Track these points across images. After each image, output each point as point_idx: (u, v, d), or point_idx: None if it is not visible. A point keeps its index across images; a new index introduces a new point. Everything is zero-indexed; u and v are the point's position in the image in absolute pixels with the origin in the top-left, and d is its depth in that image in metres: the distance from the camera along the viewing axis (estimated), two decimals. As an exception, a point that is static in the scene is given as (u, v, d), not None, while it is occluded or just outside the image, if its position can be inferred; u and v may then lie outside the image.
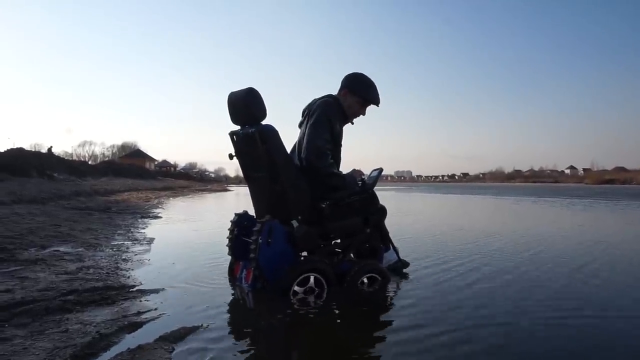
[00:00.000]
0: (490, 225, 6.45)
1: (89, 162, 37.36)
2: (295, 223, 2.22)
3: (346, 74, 2.56)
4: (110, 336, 1.61)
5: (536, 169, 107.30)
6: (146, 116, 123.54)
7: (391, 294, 2.36)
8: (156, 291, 2.28)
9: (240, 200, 14.10)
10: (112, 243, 3.83)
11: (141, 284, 2.42)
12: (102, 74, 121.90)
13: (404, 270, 2.77)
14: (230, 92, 2.31)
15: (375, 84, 2.54)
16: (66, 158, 27.49)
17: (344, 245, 2.46)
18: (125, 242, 3.92)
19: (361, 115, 2.56)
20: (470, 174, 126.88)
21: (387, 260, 2.68)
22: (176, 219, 6.77)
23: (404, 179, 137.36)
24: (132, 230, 4.89)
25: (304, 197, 2.27)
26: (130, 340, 1.60)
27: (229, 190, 26.00)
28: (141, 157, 55.64)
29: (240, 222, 2.46)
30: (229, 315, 1.99)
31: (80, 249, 3.38)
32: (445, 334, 1.74)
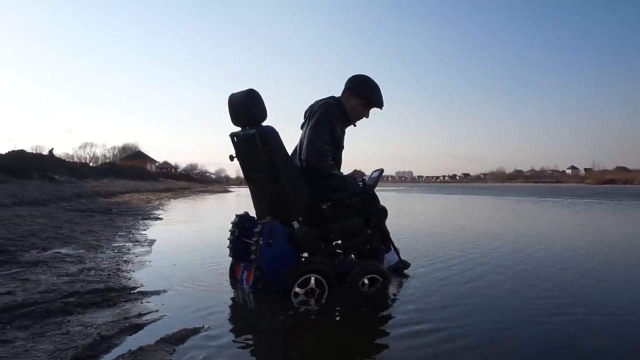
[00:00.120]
0: (491, 225, 6.44)
1: (90, 164, 37.38)
2: (296, 224, 2.22)
3: (350, 75, 2.56)
4: (111, 338, 1.61)
5: (537, 169, 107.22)
6: (146, 116, 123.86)
7: (392, 294, 2.36)
8: (157, 293, 2.28)
9: (241, 201, 14.11)
10: (113, 245, 3.83)
11: (142, 285, 2.42)
12: (102, 74, 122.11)
13: (405, 271, 2.76)
14: (230, 93, 2.31)
15: (379, 87, 2.54)
16: (67, 160, 27.53)
17: (344, 246, 2.45)
18: (126, 244, 3.92)
19: (364, 118, 2.56)
20: (471, 174, 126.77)
21: (388, 261, 2.68)
22: (177, 221, 6.77)
23: (405, 180, 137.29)
24: (133, 231, 4.89)
25: (304, 198, 2.27)
26: (132, 342, 1.60)
27: (230, 192, 26.02)
28: (142, 158, 55.76)
29: (241, 223, 2.46)
30: (230, 316, 1.99)
31: (81, 251, 3.38)
32: (446, 335, 1.73)
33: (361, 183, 2.51)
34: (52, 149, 21.89)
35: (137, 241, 4.14)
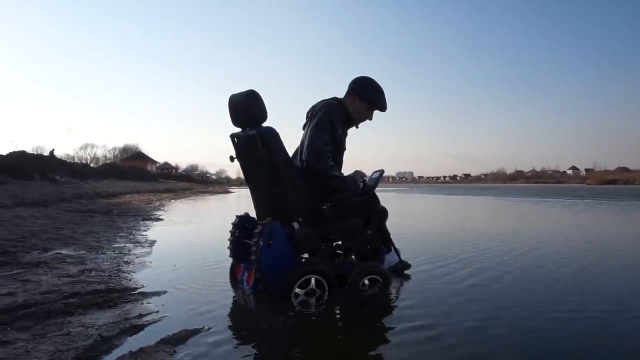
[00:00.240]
0: (491, 226, 6.44)
1: (91, 165, 37.43)
2: (296, 225, 2.22)
3: (350, 75, 2.57)
4: (112, 339, 1.62)
5: (538, 169, 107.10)
6: (146, 116, 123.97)
7: (393, 295, 2.36)
8: (158, 293, 2.28)
9: (241, 202, 14.11)
10: (114, 245, 3.83)
11: (143, 286, 2.43)
12: (102, 74, 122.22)
13: (406, 272, 2.77)
14: (231, 94, 2.32)
15: (383, 89, 2.54)
16: (68, 161, 27.55)
17: (345, 247, 2.45)
18: (127, 245, 3.93)
19: (367, 120, 2.57)
20: (471, 174, 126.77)
21: (388, 262, 2.68)
22: (178, 221, 6.78)
23: (406, 180, 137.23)
24: (133, 232, 4.90)
25: (304, 199, 2.27)
26: (132, 343, 1.60)
27: (231, 192, 26.03)
28: (143, 159, 55.82)
29: (242, 224, 2.46)
30: (230, 317, 1.99)
31: (82, 252, 3.38)
32: (447, 335, 1.73)
33: (361, 184, 2.51)
34: (53, 149, 21.98)
35: (138, 242, 4.14)
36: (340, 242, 2.46)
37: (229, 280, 2.52)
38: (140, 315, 1.91)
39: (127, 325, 1.76)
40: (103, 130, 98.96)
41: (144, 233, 4.92)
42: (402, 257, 2.77)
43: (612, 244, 4.35)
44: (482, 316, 1.98)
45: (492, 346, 1.64)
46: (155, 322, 1.85)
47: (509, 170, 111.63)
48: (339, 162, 2.48)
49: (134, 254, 3.45)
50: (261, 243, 2.12)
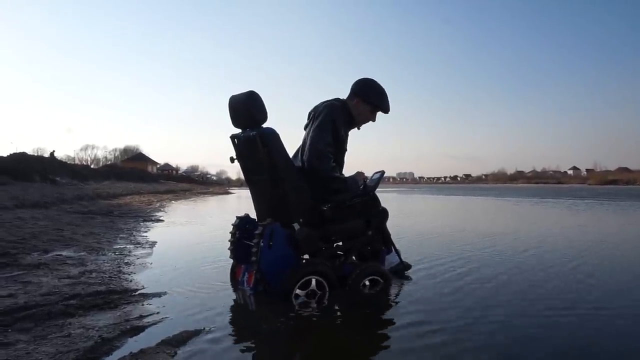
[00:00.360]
0: (492, 226, 6.43)
1: (91, 166, 37.50)
2: (296, 226, 2.22)
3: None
4: (112, 340, 1.62)
5: (539, 169, 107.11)
6: (146, 116, 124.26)
7: (393, 296, 2.36)
8: (158, 295, 2.28)
9: (241, 203, 14.11)
10: (115, 247, 3.83)
11: (143, 287, 2.43)
12: (102, 74, 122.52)
13: (406, 273, 2.76)
14: (231, 95, 2.32)
15: (385, 91, 2.55)
16: (68, 162, 27.60)
17: (345, 248, 2.45)
18: (128, 246, 3.93)
19: (370, 122, 2.58)
20: (472, 175, 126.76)
21: (389, 263, 2.67)
22: (178, 222, 6.78)
23: (406, 181, 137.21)
24: (134, 233, 4.90)
25: (305, 200, 2.27)
26: (133, 344, 1.60)
27: (231, 193, 26.04)
28: (143, 160, 55.84)
29: (242, 225, 2.46)
30: (231, 318, 1.99)
31: (82, 253, 3.38)
32: (447, 336, 1.73)
33: (362, 185, 2.51)
34: (54, 151, 22.04)
35: (138, 243, 4.14)
36: (340, 243, 2.46)
37: (229, 282, 2.52)
38: (141, 317, 1.91)
39: (128, 327, 1.76)
40: (103, 131, 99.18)
41: (145, 234, 4.92)
42: (403, 258, 2.77)
43: (612, 244, 4.34)
44: (483, 317, 1.97)
45: (493, 347, 1.64)
46: (155, 323, 1.85)
47: (510, 170, 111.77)
48: (340, 163, 2.48)
49: (135, 255, 3.45)
50: (261, 244, 2.12)
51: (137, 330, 1.75)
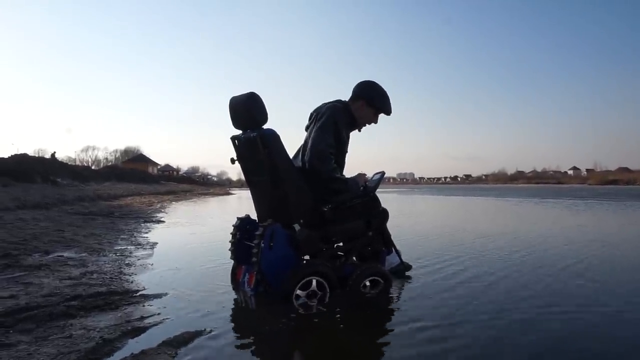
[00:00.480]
0: (492, 227, 6.43)
1: (92, 167, 37.54)
2: (297, 227, 2.22)
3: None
4: (113, 341, 1.62)
5: (539, 170, 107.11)
6: (146, 117, 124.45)
7: (394, 297, 2.36)
8: (159, 296, 2.29)
9: (242, 204, 14.12)
10: (116, 248, 3.84)
11: (144, 288, 2.43)
12: (102, 74, 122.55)
13: (407, 273, 2.77)
14: (231, 95, 2.33)
15: (387, 93, 2.58)
16: (69, 163, 27.63)
17: (346, 249, 2.46)
18: (129, 247, 3.94)
19: (372, 124, 2.61)
20: (472, 175, 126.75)
21: (389, 263, 2.68)
22: (179, 223, 6.78)
23: (407, 181, 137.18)
24: (135, 234, 4.90)
25: (305, 201, 2.28)
26: (134, 345, 1.61)
27: (232, 194, 26.04)
28: (144, 161, 55.89)
29: (243, 226, 2.47)
30: (232, 319, 2.00)
31: (83, 254, 3.39)
32: (447, 337, 1.74)
33: (363, 187, 2.51)
34: (55, 152, 22.04)
35: (139, 244, 4.15)
36: (341, 244, 2.46)
37: (230, 282, 2.52)
38: (142, 318, 1.91)
39: (129, 328, 1.77)
40: (103, 131, 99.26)
41: (145, 235, 4.93)
42: (403, 259, 2.77)
43: (613, 244, 4.34)
44: (484, 317, 1.98)
45: (494, 347, 1.64)
46: (156, 324, 1.85)
47: (510, 170, 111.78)
48: (341, 165, 2.49)
49: (136, 256, 3.46)
50: (262, 245, 2.13)
51: (138, 331, 1.75)
